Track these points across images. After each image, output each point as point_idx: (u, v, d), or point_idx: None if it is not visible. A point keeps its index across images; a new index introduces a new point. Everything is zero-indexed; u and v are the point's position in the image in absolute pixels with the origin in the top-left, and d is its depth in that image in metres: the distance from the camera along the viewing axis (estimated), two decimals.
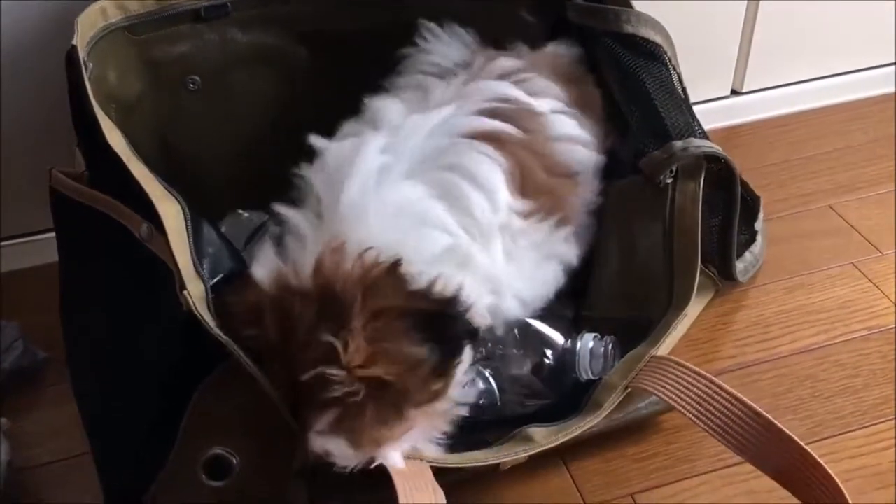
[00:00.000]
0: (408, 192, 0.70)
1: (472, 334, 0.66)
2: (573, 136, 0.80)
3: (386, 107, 0.78)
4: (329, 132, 0.77)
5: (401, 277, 0.64)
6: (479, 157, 0.73)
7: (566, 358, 0.75)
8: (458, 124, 0.75)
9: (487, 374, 0.74)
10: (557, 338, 0.76)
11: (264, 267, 0.67)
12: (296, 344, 0.61)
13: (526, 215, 0.74)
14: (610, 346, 0.75)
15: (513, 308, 0.75)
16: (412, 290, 0.64)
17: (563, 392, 0.75)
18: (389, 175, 0.71)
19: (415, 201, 0.70)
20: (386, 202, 0.69)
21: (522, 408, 0.75)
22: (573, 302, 0.81)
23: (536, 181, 0.76)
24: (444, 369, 0.63)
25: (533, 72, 0.81)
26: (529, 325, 0.76)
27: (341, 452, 0.62)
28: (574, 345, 0.75)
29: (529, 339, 0.76)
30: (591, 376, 0.75)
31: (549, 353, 0.76)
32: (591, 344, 0.75)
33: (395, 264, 0.64)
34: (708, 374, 0.66)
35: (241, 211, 0.87)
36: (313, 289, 0.63)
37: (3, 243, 0.98)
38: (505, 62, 0.82)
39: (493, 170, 0.73)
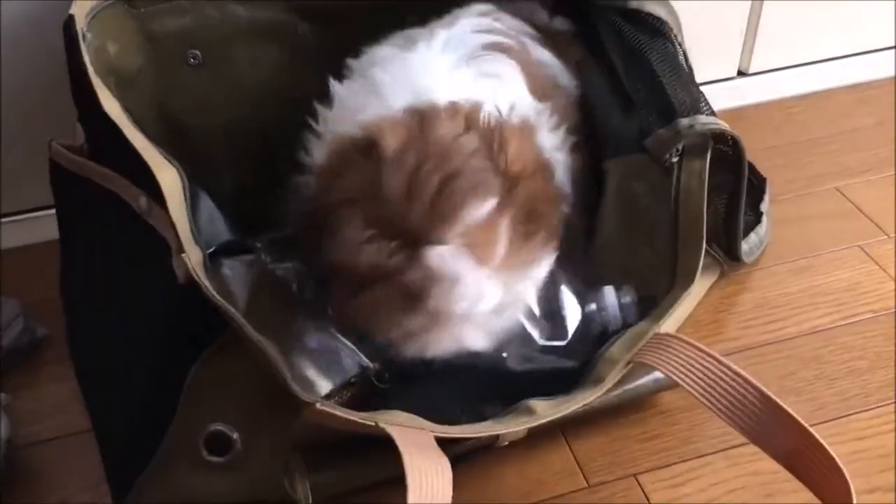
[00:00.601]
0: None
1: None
2: (552, 64, 0.82)
3: (379, 49, 0.78)
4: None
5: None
6: (496, 60, 0.75)
7: (591, 319, 0.75)
8: (463, 40, 0.76)
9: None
10: (574, 312, 0.76)
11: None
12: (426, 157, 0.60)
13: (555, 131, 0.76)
14: (632, 296, 0.76)
15: None
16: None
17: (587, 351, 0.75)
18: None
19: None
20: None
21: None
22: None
23: (544, 88, 0.77)
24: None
25: (507, 14, 0.83)
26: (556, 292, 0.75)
27: (466, 270, 0.59)
28: (600, 302, 0.75)
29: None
30: (619, 327, 0.75)
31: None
32: (614, 296, 0.75)
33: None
34: (713, 352, 0.65)
35: None
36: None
37: (3, 220, 0.98)
38: (481, 5, 0.83)
39: (513, 71, 0.75)
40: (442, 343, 0.64)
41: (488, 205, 0.60)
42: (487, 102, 0.66)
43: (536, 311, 0.73)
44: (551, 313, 0.75)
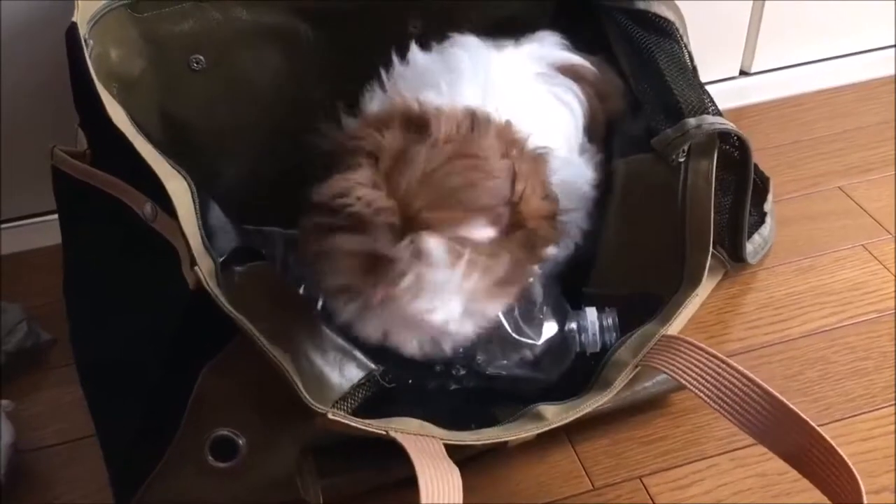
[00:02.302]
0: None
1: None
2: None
3: (465, 37, 0.79)
4: (335, 108, 0.76)
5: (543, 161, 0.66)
6: (568, 87, 0.77)
7: (568, 337, 0.75)
8: (543, 56, 0.78)
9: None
10: (550, 329, 0.75)
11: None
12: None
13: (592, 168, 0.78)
14: (612, 319, 0.75)
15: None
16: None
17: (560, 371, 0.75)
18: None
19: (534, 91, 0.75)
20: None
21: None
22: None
23: (597, 127, 0.79)
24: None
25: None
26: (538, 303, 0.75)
27: (447, 269, 0.57)
28: (582, 322, 0.75)
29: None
30: (597, 349, 0.74)
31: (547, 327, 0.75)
32: (595, 318, 0.75)
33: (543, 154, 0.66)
34: (720, 354, 0.65)
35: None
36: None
37: (5, 225, 0.98)
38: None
39: (577, 104, 0.77)
40: (395, 323, 0.61)
41: (489, 231, 0.59)
42: (535, 135, 0.66)
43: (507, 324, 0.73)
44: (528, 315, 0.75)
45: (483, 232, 0.58)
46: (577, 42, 0.87)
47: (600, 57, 0.83)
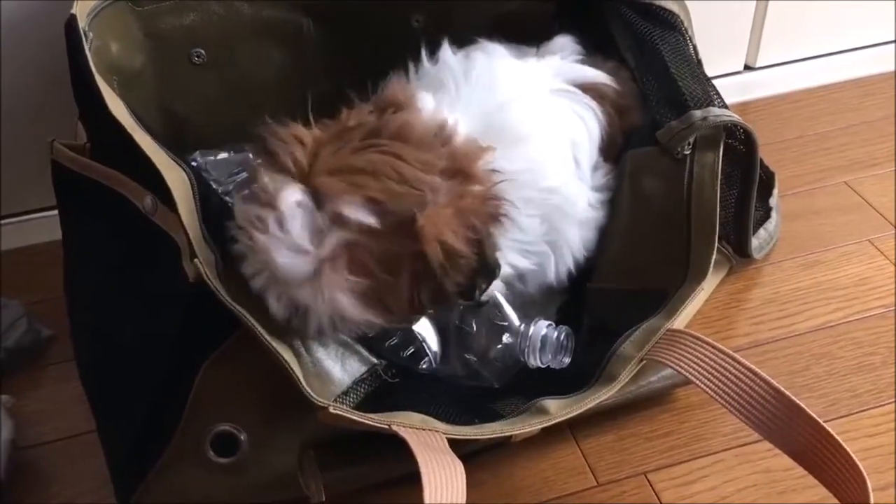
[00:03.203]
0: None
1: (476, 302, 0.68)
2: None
3: (489, 43, 0.80)
4: (336, 103, 0.75)
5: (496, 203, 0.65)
6: (587, 105, 0.76)
7: (518, 342, 0.73)
8: (564, 72, 0.78)
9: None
10: (515, 321, 0.74)
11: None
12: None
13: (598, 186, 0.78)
14: (563, 337, 0.72)
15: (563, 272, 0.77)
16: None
17: (505, 380, 0.74)
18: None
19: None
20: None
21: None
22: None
23: (614, 147, 0.79)
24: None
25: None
26: (497, 302, 0.74)
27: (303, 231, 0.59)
28: (527, 330, 0.72)
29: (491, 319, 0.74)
30: (540, 364, 0.72)
31: (506, 337, 0.73)
32: (543, 331, 0.72)
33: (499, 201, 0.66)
34: (726, 349, 0.65)
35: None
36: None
37: (5, 221, 0.97)
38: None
39: (595, 124, 0.77)
40: (249, 269, 0.62)
41: (368, 219, 0.59)
42: (502, 175, 0.66)
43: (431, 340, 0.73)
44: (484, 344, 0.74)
45: (359, 214, 0.59)
46: (583, 38, 0.87)
47: (616, 63, 0.83)
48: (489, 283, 0.65)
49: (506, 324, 0.73)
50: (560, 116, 0.75)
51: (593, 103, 0.77)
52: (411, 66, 0.77)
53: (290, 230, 0.59)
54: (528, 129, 0.71)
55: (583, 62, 0.81)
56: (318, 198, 0.60)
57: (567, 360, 0.72)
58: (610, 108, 0.78)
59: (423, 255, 0.60)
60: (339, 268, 0.59)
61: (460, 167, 0.64)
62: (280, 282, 0.61)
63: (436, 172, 0.62)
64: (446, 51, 0.77)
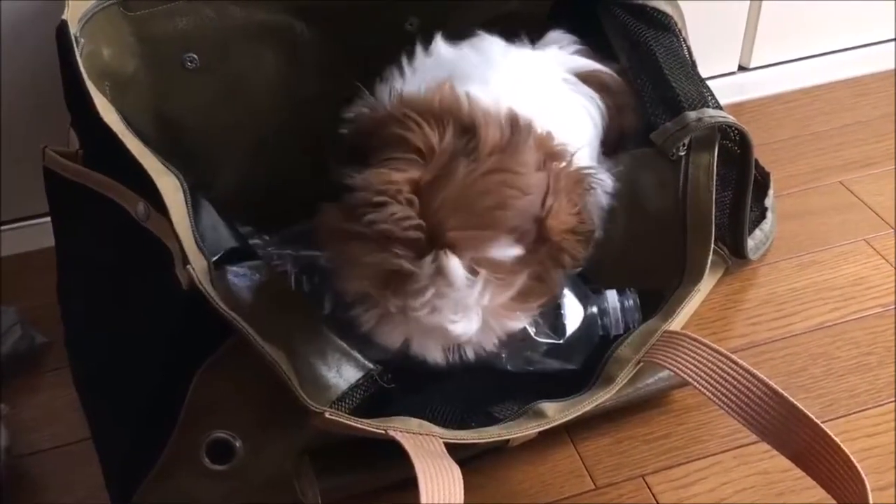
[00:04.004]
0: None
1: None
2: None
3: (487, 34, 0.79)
4: (330, 106, 0.75)
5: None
6: (589, 95, 0.76)
7: (591, 322, 0.75)
8: (565, 63, 0.78)
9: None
10: (578, 310, 0.75)
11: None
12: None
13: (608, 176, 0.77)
14: (635, 299, 0.75)
15: None
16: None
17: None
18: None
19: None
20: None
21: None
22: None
23: (612, 139, 0.78)
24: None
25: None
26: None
27: (467, 293, 0.58)
28: (602, 305, 0.75)
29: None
30: (621, 331, 0.74)
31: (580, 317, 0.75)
32: (616, 300, 0.75)
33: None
34: (723, 350, 0.65)
35: None
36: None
37: (3, 227, 0.97)
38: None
39: (597, 114, 0.76)
40: (414, 332, 0.62)
41: (515, 251, 0.60)
42: (571, 145, 0.67)
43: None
44: (549, 313, 0.74)
45: (508, 252, 0.60)
46: (577, 40, 0.87)
47: (618, 67, 0.82)
48: (590, 243, 0.67)
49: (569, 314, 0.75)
50: (576, 105, 0.75)
51: (594, 94, 0.77)
52: (404, 60, 0.76)
53: (460, 298, 0.59)
54: (559, 118, 0.71)
55: (581, 53, 0.81)
56: (456, 251, 0.58)
57: (639, 316, 0.74)
58: (609, 100, 0.78)
59: (559, 247, 0.62)
60: (502, 304, 0.61)
61: (546, 151, 0.64)
62: (447, 338, 0.62)
63: (535, 168, 0.63)
64: (440, 44, 0.77)
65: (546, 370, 0.74)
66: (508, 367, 0.74)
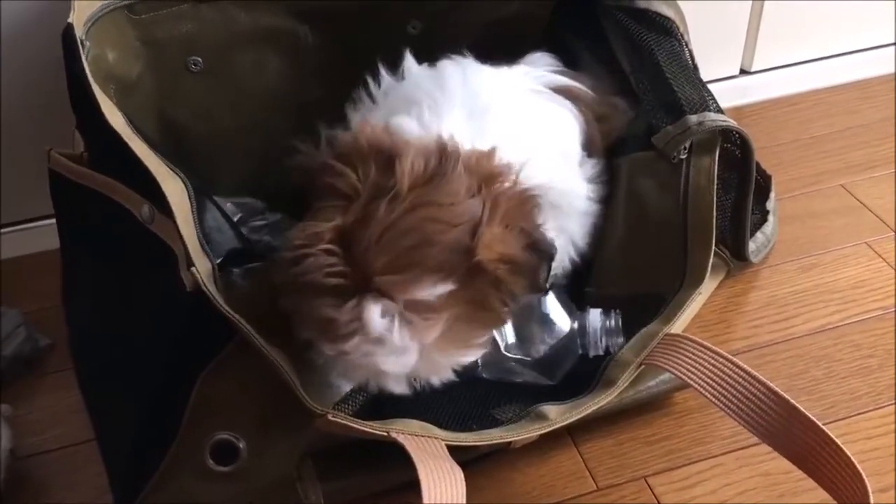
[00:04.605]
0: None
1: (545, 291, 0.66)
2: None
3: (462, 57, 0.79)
4: (334, 110, 0.75)
5: (526, 198, 0.64)
6: (562, 104, 0.76)
7: (573, 338, 0.74)
8: (540, 77, 0.78)
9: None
10: (563, 323, 0.75)
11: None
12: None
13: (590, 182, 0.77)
14: (614, 320, 0.74)
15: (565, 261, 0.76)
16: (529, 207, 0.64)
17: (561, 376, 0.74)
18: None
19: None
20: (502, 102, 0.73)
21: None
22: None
23: (595, 144, 0.78)
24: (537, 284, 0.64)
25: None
26: (542, 301, 0.74)
27: (393, 337, 0.58)
28: (583, 323, 0.74)
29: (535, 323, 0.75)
30: (600, 352, 0.74)
31: (548, 341, 0.74)
32: (599, 320, 0.74)
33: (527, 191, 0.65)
34: (725, 353, 0.65)
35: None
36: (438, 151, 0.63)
37: (4, 230, 0.97)
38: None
39: (573, 120, 0.76)
40: (356, 380, 0.63)
41: (444, 287, 0.59)
42: (515, 165, 0.65)
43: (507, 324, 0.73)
44: (529, 331, 0.74)
45: (433, 291, 0.59)
46: (577, 45, 0.87)
47: (592, 82, 0.83)
48: (551, 267, 0.65)
49: (557, 325, 0.74)
50: (542, 113, 0.75)
51: (567, 102, 0.77)
52: (372, 84, 0.76)
53: (386, 341, 0.58)
54: (515, 129, 0.71)
55: (557, 72, 0.81)
56: (382, 295, 0.58)
57: (621, 339, 0.73)
58: (584, 108, 0.78)
59: (495, 277, 0.60)
60: (442, 340, 0.60)
61: (482, 174, 0.63)
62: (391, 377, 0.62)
63: (467, 195, 0.61)
64: (411, 64, 0.76)
65: (526, 383, 0.74)
66: (484, 375, 0.74)
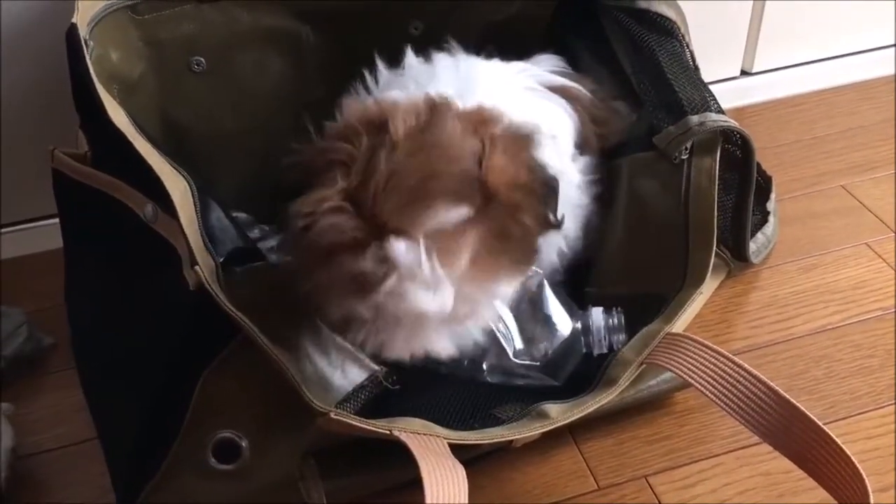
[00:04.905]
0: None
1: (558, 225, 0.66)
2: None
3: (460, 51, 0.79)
4: (335, 111, 0.75)
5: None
6: (557, 103, 0.76)
7: (576, 338, 0.74)
8: (536, 75, 0.78)
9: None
10: (564, 326, 0.75)
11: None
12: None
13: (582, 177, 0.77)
14: (620, 318, 0.74)
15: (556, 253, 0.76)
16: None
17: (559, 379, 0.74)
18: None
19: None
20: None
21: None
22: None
23: (590, 144, 0.78)
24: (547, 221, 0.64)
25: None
26: (543, 303, 0.74)
27: (424, 268, 0.57)
28: (587, 322, 0.74)
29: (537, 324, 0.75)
30: (604, 350, 0.74)
31: (550, 342, 0.74)
32: (602, 319, 0.74)
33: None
34: (726, 352, 0.65)
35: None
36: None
37: (5, 230, 0.97)
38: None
39: (566, 118, 0.76)
40: (397, 343, 0.63)
41: (459, 212, 0.59)
42: (507, 115, 0.66)
43: (513, 328, 0.73)
44: (531, 332, 0.74)
45: (449, 217, 0.58)
46: (577, 45, 0.87)
47: (592, 85, 0.83)
48: (556, 199, 0.65)
49: (559, 327, 0.74)
50: (532, 106, 0.75)
51: (562, 101, 0.77)
52: (368, 76, 0.76)
53: (417, 275, 0.58)
54: (519, 111, 0.70)
55: (557, 73, 0.80)
56: (403, 232, 0.58)
57: (624, 336, 0.73)
58: (581, 109, 0.78)
59: (512, 203, 0.60)
60: (472, 270, 0.60)
61: (476, 119, 0.64)
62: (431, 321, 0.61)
63: (464, 136, 0.62)
64: (411, 58, 0.77)
65: (530, 385, 0.74)
66: (489, 379, 0.74)
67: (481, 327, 0.66)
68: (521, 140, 0.65)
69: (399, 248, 0.57)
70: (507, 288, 0.64)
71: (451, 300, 0.60)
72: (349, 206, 0.59)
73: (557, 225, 0.65)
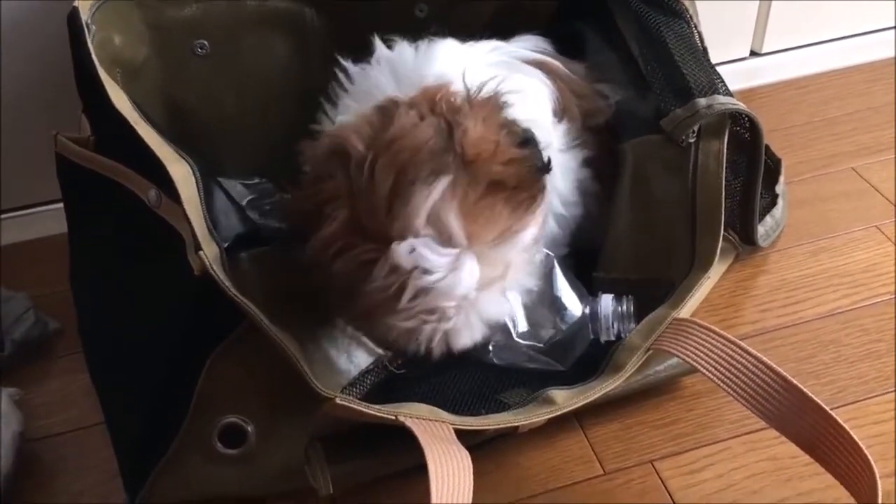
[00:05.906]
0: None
1: (546, 168, 0.65)
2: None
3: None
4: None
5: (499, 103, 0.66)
6: (531, 73, 0.76)
7: (584, 323, 0.74)
8: (511, 51, 0.77)
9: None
10: (574, 308, 0.74)
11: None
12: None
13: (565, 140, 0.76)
14: (630, 306, 0.74)
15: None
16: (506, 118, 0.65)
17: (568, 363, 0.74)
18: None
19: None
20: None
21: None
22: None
23: (570, 114, 0.77)
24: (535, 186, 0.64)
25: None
26: (553, 284, 0.74)
27: (431, 256, 0.58)
28: (595, 308, 0.74)
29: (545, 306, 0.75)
30: (612, 337, 0.73)
31: (561, 325, 0.74)
32: (611, 305, 0.74)
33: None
34: (732, 337, 0.65)
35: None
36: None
37: (8, 215, 0.97)
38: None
39: (542, 87, 0.76)
40: (460, 334, 0.63)
41: (439, 184, 0.59)
42: (456, 83, 0.66)
43: (518, 308, 0.73)
44: (537, 316, 0.74)
45: (432, 190, 0.59)
46: (585, 29, 0.86)
47: (583, 69, 0.82)
48: (537, 146, 0.65)
49: (569, 308, 0.74)
50: (498, 77, 0.73)
51: (537, 71, 0.76)
52: (342, 76, 0.76)
53: (431, 248, 0.59)
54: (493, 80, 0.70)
55: (537, 51, 0.80)
56: (402, 235, 0.59)
57: (634, 324, 0.73)
58: (559, 82, 0.77)
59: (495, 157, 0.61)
60: (481, 226, 0.60)
61: (426, 98, 0.64)
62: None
63: (420, 119, 0.62)
64: (380, 48, 0.76)
65: (536, 369, 0.74)
66: (496, 361, 0.74)
67: (528, 279, 0.67)
68: (486, 102, 0.65)
69: (397, 251, 0.58)
70: (527, 233, 0.63)
71: (475, 268, 0.60)
72: (354, 234, 0.60)
73: (545, 167, 0.65)
